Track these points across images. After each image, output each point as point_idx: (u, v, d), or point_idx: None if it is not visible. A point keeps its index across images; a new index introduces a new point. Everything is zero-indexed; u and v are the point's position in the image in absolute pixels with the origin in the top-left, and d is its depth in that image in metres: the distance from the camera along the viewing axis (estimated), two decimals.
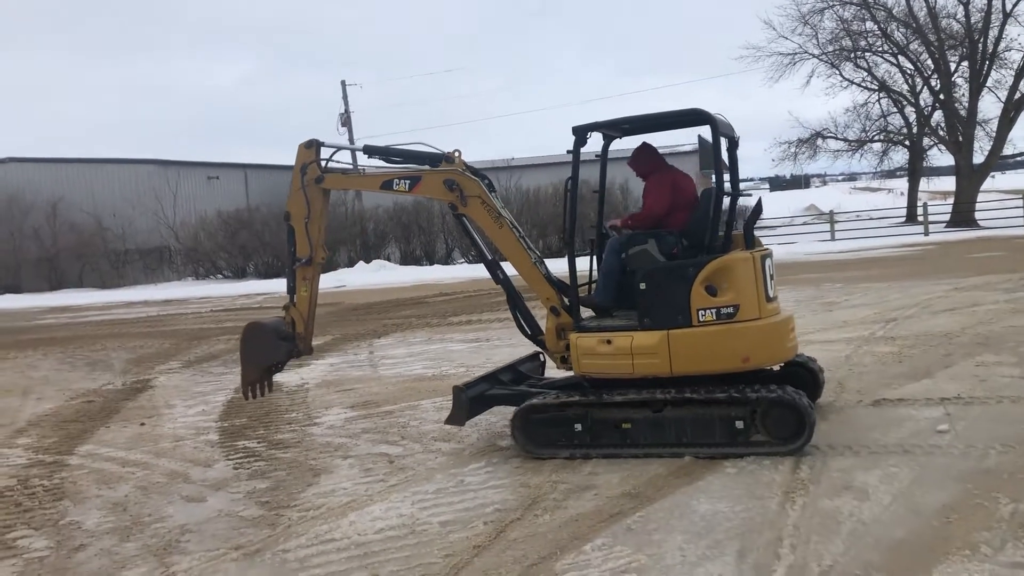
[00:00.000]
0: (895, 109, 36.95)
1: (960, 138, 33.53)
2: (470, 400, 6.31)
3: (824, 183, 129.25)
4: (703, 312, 5.62)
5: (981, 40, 32.43)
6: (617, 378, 5.88)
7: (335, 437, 7.09)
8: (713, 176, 6.29)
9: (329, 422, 7.70)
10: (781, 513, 4.58)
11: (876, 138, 37.66)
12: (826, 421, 6.34)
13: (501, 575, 4.10)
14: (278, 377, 10.19)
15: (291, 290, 6.90)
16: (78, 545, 4.94)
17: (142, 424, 8.22)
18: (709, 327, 5.62)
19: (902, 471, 5.08)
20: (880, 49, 35.65)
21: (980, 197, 33.87)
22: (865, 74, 36.33)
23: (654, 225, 6.26)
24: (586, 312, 6.39)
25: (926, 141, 37.10)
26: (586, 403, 5.85)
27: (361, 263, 31.13)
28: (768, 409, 5.52)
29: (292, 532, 4.87)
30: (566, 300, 6.27)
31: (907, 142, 37.42)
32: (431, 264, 31.11)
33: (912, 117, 36.74)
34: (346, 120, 38.29)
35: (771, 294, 5.91)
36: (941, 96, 34.30)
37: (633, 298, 5.96)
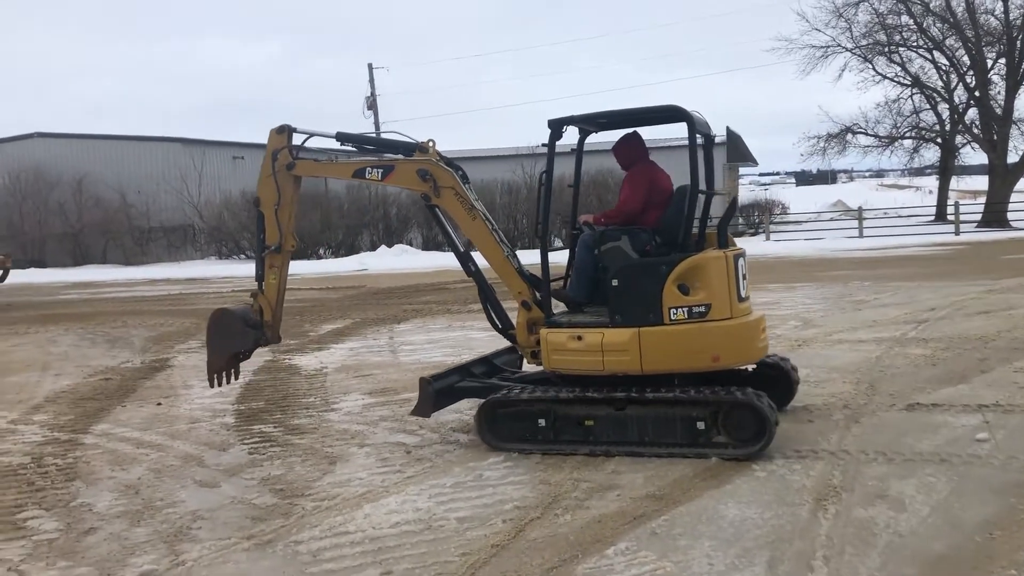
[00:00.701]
0: (928, 105, 36.31)
1: (995, 136, 32.89)
2: (436, 392, 6.25)
3: (851, 179, 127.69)
4: (675, 311, 5.58)
5: (1020, 37, 31.75)
6: (586, 375, 5.78)
7: (352, 424, 6.96)
8: (696, 172, 6.10)
9: (347, 408, 7.57)
10: (813, 521, 4.39)
11: (907, 135, 37.03)
12: (858, 424, 6.14)
13: None
14: (298, 360, 10.24)
15: (259, 277, 6.79)
16: (88, 528, 4.84)
17: (159, 404, 8.14)
18: (680, 325, 5.58)
19: (940, 481, 4.87)
20: (915, 44, 35.04)
21: (1013, 197, 33.24)
22: (898, 69, 35.73)
23: (628, 221, 6.14)
24: (558, 307, 6.29)
25: (959, 139, 36.43)
26: (550, 399, 5.81)
27: (383, 247, 31.10)
28: (729, 411, 5.46)
29: (305, 523, 4.74)
30: (538, 295, 6.19)
31: (939, 139, 36.78)
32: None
33: (945, 114, 36.09)
34: (372, 104, 38.16)
35: (743, 294, 5.85)
36: (976, 93, 33.66)
37: (606, 294, 5.91)
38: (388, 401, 7.75)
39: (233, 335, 6.65)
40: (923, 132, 37.00)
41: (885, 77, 35.91)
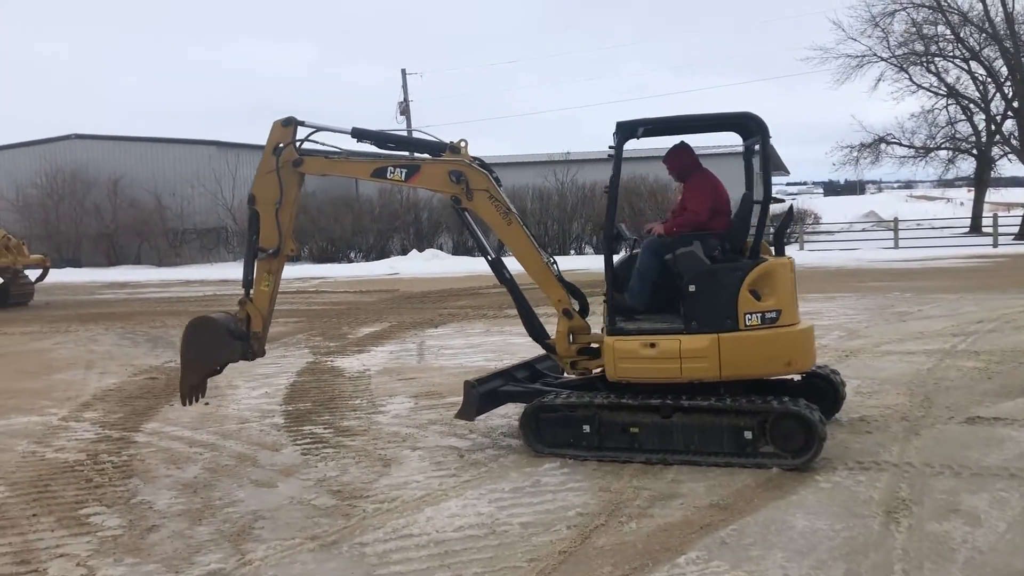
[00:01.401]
0: (963, 116, 35.87)
1: None
2: (480, 396, 6.21)
3: (879, 190, 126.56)
4: (750, 316, 5.58)
5: None
6: (659, 383, 5.72)
7: (402, 427, 6.95)
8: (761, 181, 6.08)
9: (394, 411, 7.56)
10: (886, 534, 4.31)
11: (944, 145, 36.59)
12: (918, 437, 6.04)
13: None
14: (340, 362, 10.25)
15: (248, 283, 6.25)
16: (151, 526, 4.85)
17: (206, 404, 8.12)
18: (755, 331, 5.58)
19: (1012, 496, 4.76)
20: (951, 54, 34.62)
21: None
22: (934, 79, 35.33)
23: (697, 228, 6.09)
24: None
25: (995, 150, 35.96)
26: (596, 405, 5.77)
27: (414, 251, 31.14)
28: (777, 421, 5.42)
29: (368, 524, 4.73)
30: (574, 303, 6.14)
31: (975, 150, 36.31)
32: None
33: (982, 125, 35.63)
34: (405, 109, 38.30)
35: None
36: (1015, 104, 33.19)
37: (666, 301, 5.91)
38: (435, 405, 7.73)
39: (216, 346, 6.07)
40: (959, 143, 36.56)
41: (921, 87, 35.54)
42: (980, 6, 32.51)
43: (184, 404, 6.34)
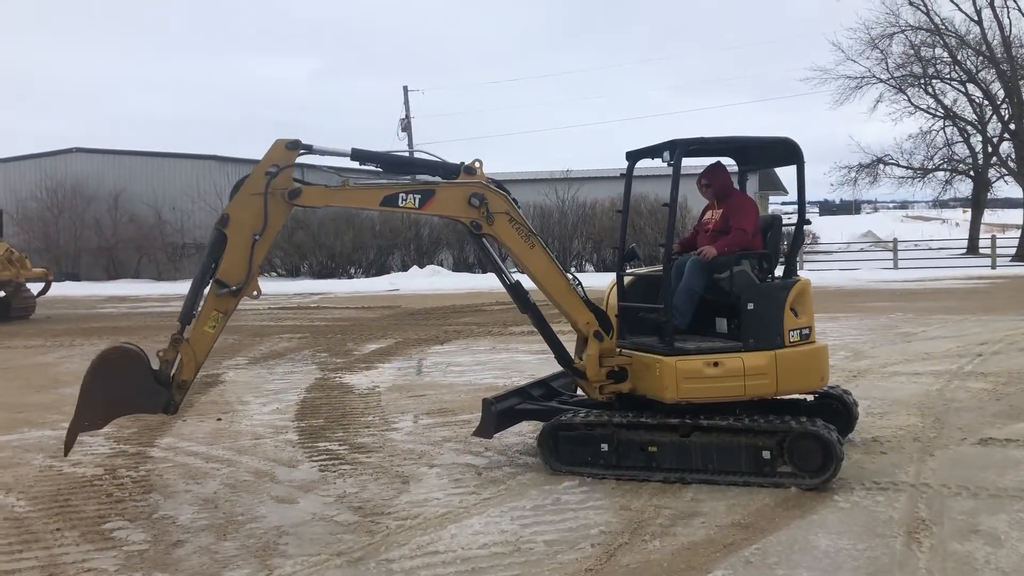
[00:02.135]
0: (960, 138, 36.18)
1: None
2: (498, 414, 6.22)
3: (875, 210, 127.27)
4: (793, 333, 5.78)
5: None
6: (721, 401, 5.76)
7: (416, 444, 6.98)
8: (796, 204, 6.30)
9: (407, 428, 7.59)
10: (908, 554, 4.35)
11: (941, 166, 36.89)
12: (933, 458, 6.09)
13: None
14: (348, 379, 10.27)
15: (187, 317, 5.29)
16: (175, 540, 4.87)
17: (218, 419, 8.19)
18: (798, 347, 5.80)
19: None
20: (949, 76, 34.97)
21: None
22: (932, 101, 35.65)
23: (745, 248, 6.18)
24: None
25: (992, 172, 36.26)
26: (615, 424, 5.81)
27: (415, 267, 31.18)
28: (796, 440, 5.48)
29: (392, 541, 4.75)
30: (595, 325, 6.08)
31: (972, 172, 36.59)
32: (484, 272, 31.06)
33: (979, 147, 35.95)
34: (406, 125, 38.46)
35: None
36: (1011, 126, 33.49)
37: (706, 320, 6.05)
38: (447, 422, 7.76)
39: (136, 391, 5.18)
40: (956, 164, 36.86)
41: (919, 108, 35.87)
42: (977, 29, 32.97)
43: (66, 454, 5.47)
